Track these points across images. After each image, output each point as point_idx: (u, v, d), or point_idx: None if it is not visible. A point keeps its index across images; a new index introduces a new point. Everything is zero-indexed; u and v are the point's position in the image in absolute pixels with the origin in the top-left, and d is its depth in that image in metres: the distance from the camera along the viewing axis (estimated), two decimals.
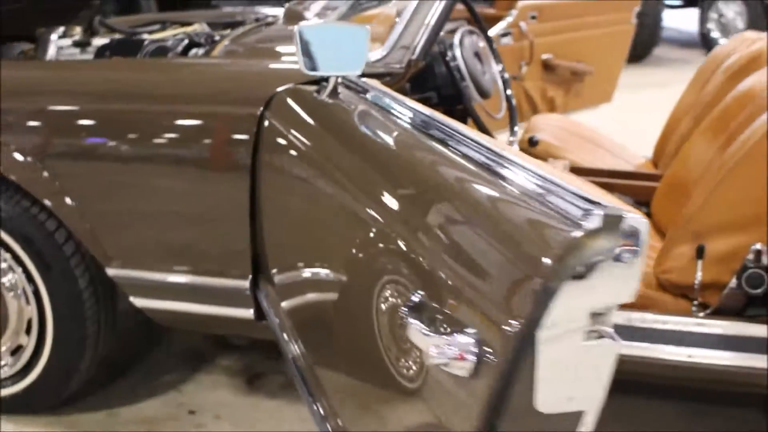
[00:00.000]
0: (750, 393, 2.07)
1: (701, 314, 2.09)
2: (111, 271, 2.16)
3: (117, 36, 2.90)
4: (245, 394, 2.63)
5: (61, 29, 2.95)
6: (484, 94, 2.46)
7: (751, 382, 2.01)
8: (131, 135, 2.08)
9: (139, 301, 2.20)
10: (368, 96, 1.74)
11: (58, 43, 2.82)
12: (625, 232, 0.93)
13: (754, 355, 1.99)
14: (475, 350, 0.99)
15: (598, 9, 4.00)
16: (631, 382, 2.00)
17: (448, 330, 1.06)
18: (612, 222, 0.93)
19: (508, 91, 2.66)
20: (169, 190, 2.08)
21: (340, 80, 1.78)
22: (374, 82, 1.83)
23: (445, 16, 2.07)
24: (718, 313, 2.08)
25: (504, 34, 3.73)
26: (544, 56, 3.93)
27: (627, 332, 2.04)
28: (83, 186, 2.13)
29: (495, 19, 3.66)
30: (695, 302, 2.12)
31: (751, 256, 2.01)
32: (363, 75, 2.01)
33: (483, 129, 2.45)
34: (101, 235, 2.12)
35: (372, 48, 2.08)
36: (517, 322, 0.95)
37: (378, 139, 1.59)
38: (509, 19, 3.73)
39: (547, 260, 0.93)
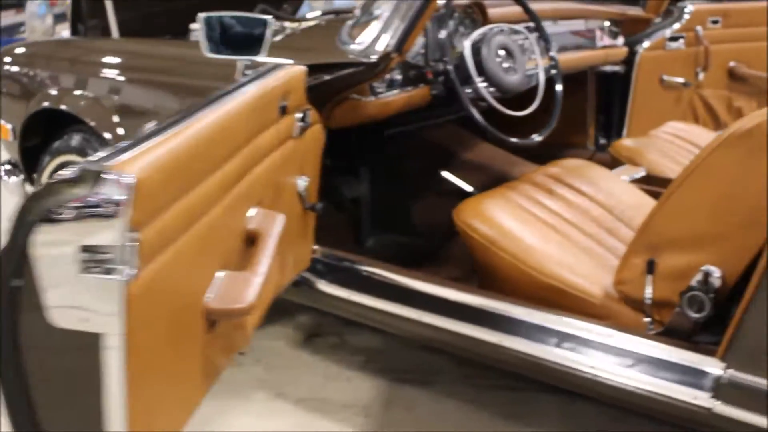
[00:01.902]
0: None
1: (651, 333, 2.00)
2: None
3: None
4: (295, 347, 2.92)
5: None
6: (505, 90, 2.48)
7: (676, 414, 1.89)
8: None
9: None
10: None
11: None
12: (102, 185, 1.10)
13: (686, 388, 1.87)
14: None
15: None
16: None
17: None
18: (90, 175, 1.11)
19: (558, 87, 2.63)
20: None
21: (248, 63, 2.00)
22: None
23: (424, 8, 2.16)
24: (667, 334, 1.97)
25: (673, 38, 3.57)
26: (732, 64, 3.68)
27: (570, 340, 2.02)
28: None
29: (645, 22, 3.51)
30: (649, 320, 2.02)
31: (699, 277, 1.89)
32: (340, 65, 2.21)
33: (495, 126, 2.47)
34: None
35: (353, 39, 2.25)
36: None
37: None
38: (678, 24, 3.55)
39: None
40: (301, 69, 2.03)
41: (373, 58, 2.21)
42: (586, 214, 2.42)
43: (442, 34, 2.55)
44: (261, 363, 2.82)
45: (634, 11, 3.46)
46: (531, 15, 2.64)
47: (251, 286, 1.62)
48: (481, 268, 2.31)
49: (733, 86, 3.73)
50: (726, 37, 3.64)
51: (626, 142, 3.15)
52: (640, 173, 2.83)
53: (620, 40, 3.47)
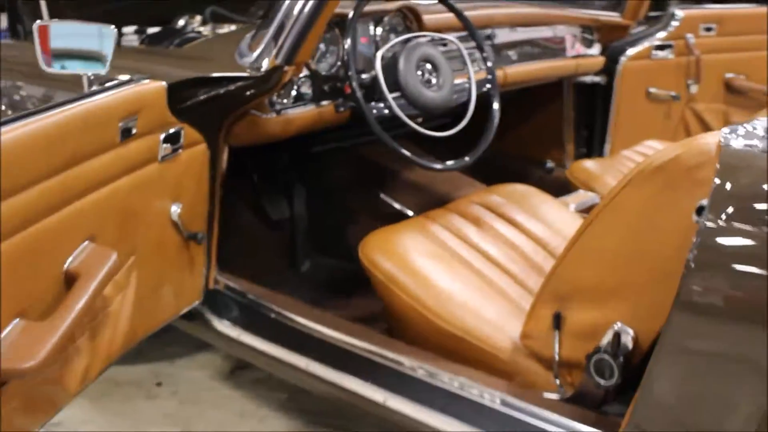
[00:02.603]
0: None
1: (559, 398, 1.73)
2: None
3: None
4: (218, 379, 2.69)
5: (184, 19, 3.20)
6: (424, 109, 2.20)
7: None
8: None
9: None
10: None
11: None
12: None
13: None
14: None
15: None
16: None
17: None
18: None
19: (494, 105, 2.33)
20: None
21: (92, 77, 1.76)
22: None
23: (315, 15, 1.90)
24: (576, 401, 1.69)
25: (660, 47, 3.24)
26: (729, 75, 3.34)
27: (460, 404, 1.76)
28: None
29: (622, 29, 3.19)
30: (558, 381, 1.74)
31: (609, 337, 1.61)
32: (228, 78, 1.97)
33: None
34: None
35: (251, 50, 2.00)
36: None
37: None
38: (665, 31, 3.23)
39: None
40: (159, 85, 1.78)
41: (262, 71, 1.96)
42: (514, 249, 2.13)
43: (363, 42, 2.29)
44: (177, 396, 2.61)
45: (609, 17, 3.14)
46: (462, 20, 2.35)
47: (45, 341, 1.37)
48: (386, 311, 2.05)
49: (730, 100, 3.39)
50: (721, 46, 3.31)
51: (586, 164, 2.83)
52: (592, 201, 2.52)
53: (596, 48, 3.15)
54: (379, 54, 2.15)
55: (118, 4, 3.21)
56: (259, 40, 1.99)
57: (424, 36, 2.37)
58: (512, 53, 2.82)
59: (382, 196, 2.68)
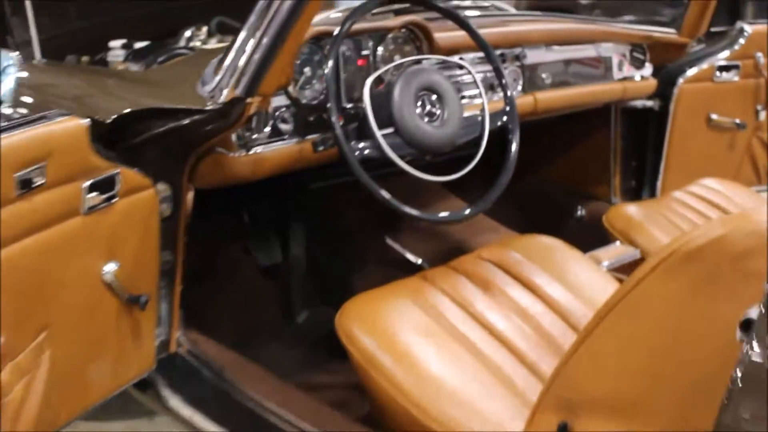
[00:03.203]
0: None
1: None
2: None
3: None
4: None
5: (190, 30, 2.91)
6: (422, 149, 1.83)
7: None
8: None
9: None
10: None
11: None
12: None
13: None
14: None
15: None
16: None
17: None
18: None
19: (512, 146, 1.94)
20: None
21: None
22: None
23: (279, 39, 1.56)
24: None
25: (724, 67, 2.81)
26: None
27: None
28: None
29: (678, 48, 2.76)
30: None
31: None
32: (180, 112, 1.65)
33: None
34: None
35: (214, 76, 1.67)
36: None
37: None
38: (729, 50, 2.80)
39: None
40: (76, 124, 1.46)
41: (219, 102, 1.62)
42: (527, 320, 1.76)
43: (361, 65, 1.94)
44: None
45: (664, 33, 2.72)
46: (475, 38, 1.97)
47: None
48: (366, 394, 1.69)
49: None
50: None
51: (627, 210, 2.41)
52: (631, 257, 2.11)
53: (647, 69, 2.73)
54: (368, 81, 1.79)
55: (115, 15, 2.93)
56: (221, 64, 1.65)
57: (429, 59, 2.00)
58: (546, 76, 2.43)
59: (389, 241, 2.32)
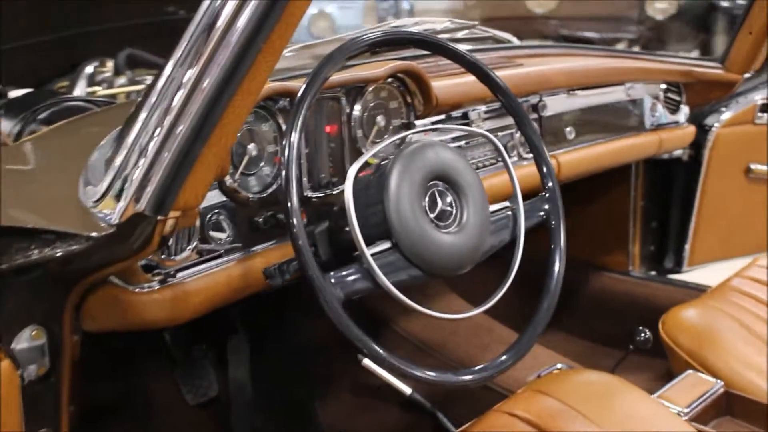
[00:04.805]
0: None
1: None
2: None
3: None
4: None
5: (92, 65, 2.25)
6: (432, 272, 1.19)
7: None
8: None
9: None
10: None
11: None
12: None
13: None
14: None
15: None
16: None
17: None
18: None
19: (559, 251, 1.32)
20: None
21: None
22: None
23: (203, 130, 0.92)
24: None
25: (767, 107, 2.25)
26: None
27: None
28: None
29: (725, 86, 2.17)
30: None
31: None
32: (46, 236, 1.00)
33: None
34: None
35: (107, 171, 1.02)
36: None
37: None
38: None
39: None
40: None
41: (113, 223, 0.97)
42: None
43: (330, 134, 1.32)
44: None
45: (707, 68, 2.13)
46: (495, 89, 1.34)
47: None
48: None
49: None
50: None
51: (687, 316, 1.76)
52: (714, 391, 1.49)
53: (683, 113, 2.14)
54: (351, 172, 1.15)
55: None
56: (112, 161, 1.00)
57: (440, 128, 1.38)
58: (569, 130, 1.83)
59: (365, 362, 1.67)
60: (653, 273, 2.41)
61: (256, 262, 1.24)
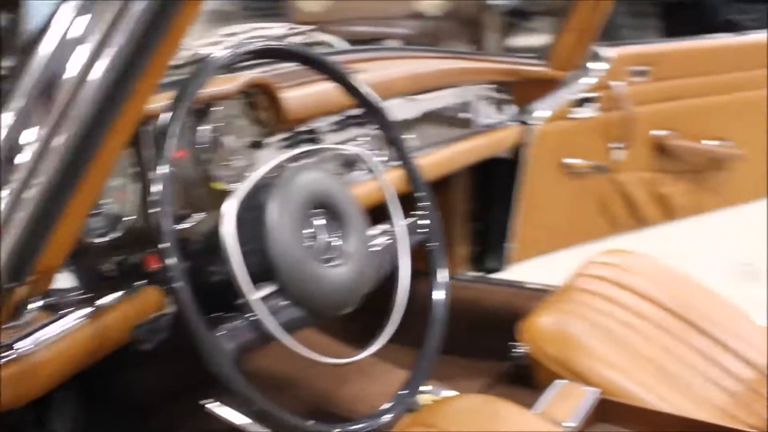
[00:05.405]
0: None
1: None
2: None
3: None
4: None
5: None
6: (327, 310, 1.07)
7: None
8: None
9: None
10: None
11: None
12: None
13: None
14: None
15: (748, 60, 2.49)
16: None
17: None
18: None
19: (438, 276, 1.24)
20: None
21: None
22: None
23: (69, 185, 0.76)
24: None
25: (582, 101, 2.28)
26: (654, 132, 2.44)
27: None
28: None
29: (550, 84, 2.19)
30: None
31: None
32: None
33: None
34: None
35: None
36: None
37: None
38: (586, 81, 2.26)
39: None
40: None
41: None
42: None
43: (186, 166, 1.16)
44: None
45: (532, 66, 2.13)
46: (357, 97, 1.23)
47: None
48: None
49: (660, 165, 2.50)
50: (652, 94, 2.40)
51: (545, 323, 1.71)
52: (591, 399, 1.45)
53: (510, 112, 2.12)
54: (229, 207, 0.99)
55: None
56: None
57: (313, 149, 1.25)
58: (414, 136, 1.74)
59: (209, 406, 1.50)
60: (480, 274, 2.39)
61: (110, 318, 1.05)
